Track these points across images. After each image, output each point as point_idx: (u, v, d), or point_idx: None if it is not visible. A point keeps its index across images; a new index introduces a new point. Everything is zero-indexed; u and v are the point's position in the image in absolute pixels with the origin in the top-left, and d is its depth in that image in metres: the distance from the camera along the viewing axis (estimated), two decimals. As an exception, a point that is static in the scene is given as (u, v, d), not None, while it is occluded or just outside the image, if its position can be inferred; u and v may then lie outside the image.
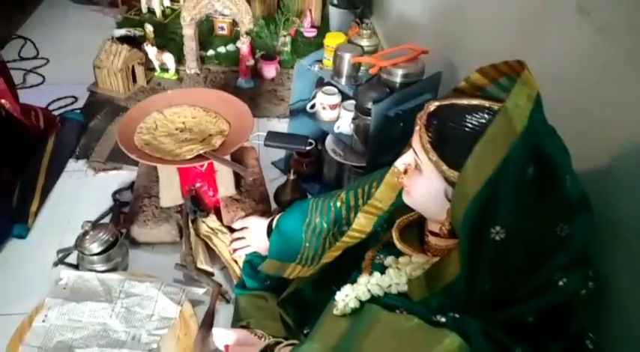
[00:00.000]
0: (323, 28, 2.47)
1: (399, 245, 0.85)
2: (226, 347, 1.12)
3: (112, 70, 1.97)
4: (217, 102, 1.52)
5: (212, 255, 1.42)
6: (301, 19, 2.43)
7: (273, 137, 1.43)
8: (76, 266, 1.34)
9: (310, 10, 2.45)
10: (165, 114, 1.48)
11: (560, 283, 0.71)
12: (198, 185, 1.46)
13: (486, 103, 0.67)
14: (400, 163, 0.78)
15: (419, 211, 0.81)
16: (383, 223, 0.93)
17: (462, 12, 1.49)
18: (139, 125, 1.42)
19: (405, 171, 0.78)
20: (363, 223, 0.92)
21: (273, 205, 1.54)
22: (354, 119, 1.42)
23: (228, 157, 1.38)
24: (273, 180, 1.71)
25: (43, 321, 1.18)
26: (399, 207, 0.89)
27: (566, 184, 0.68)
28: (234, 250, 1.36)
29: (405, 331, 0.74)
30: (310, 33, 2.42)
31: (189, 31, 2.08)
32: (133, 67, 2.02)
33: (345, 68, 1.40)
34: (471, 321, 0.69)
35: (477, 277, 0.68)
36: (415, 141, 0.72)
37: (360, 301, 0.83)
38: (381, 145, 1.36)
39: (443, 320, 0.71)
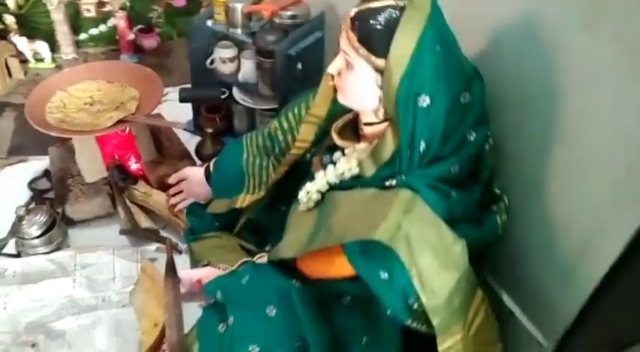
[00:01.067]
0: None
1: (340, 142, 1.01)
2: (198, 282, 1.22)
3: (-17, 68, 1.86)
4: (118, 72, 1.54)
5: (152, 216, 1.47)
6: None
7: (187, 92, 1.50)
8: (17, 255, 1.33)
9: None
10: (70, 91, 1.48)
11: (471, 138, 0.93)
12: (119, 155, 1.49)
13: (393, 2, 0.85)
14: (332, 68, 0.93)
15: (353, 107, 0.98)
16: (321, 133, 1.08)
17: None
18: (47, 106, 1.41)
19: (339, 74, 0.93)
20: (305, 132, 1.07)
21: (198, 162, 1.62)
22: (258, 64, 1.53)
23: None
24: (186, 142, 1.77)
25: (5, 308, 1.18)
26: (334, 116, 1.05)
27: (462, 58, 0.90)
28: (173, 206, 1.43)
29: (365, 200, 0.91)
30: (180, 2, 2.44)
31: (58, 15, 2.01)
32: (5, 60, 1.92)
33: (240, 19, 1.51)
34: (415, 178, 0.88)
35: (413, 142, 0.87)
36: (344, 43, 0.88)
37: (321, 193, 0.99)
38: (287, 84, 1.50)
39: (393, 182, 0.90)
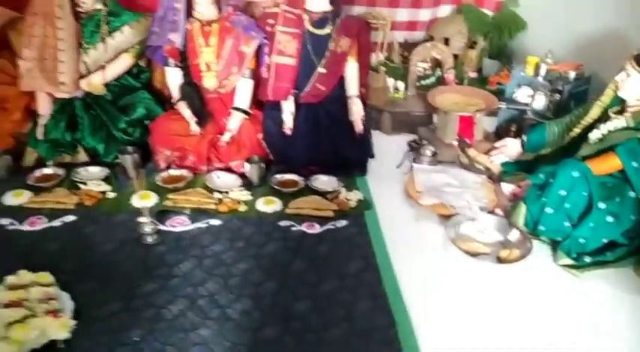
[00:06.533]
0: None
1: (617, 115, 2.17)
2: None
3: None
4: (473, 92, 2.92)
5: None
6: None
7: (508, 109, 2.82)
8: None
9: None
10: (452, 96, 2.88)
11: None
12: (462, 130, 2.81)
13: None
14: (619, 77, 2.12)
15: (627, 97, 2.14)
16: (601, 113, 2.26)
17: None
18: (437, 98, 2.82)
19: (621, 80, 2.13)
20: (593, 112, 2.26)
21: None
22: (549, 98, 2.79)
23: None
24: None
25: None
26: (609, 105, 2.23)
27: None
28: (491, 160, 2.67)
29: (630, 132, 2.06)
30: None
31: (412, 69, 3.53)
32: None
33: (543, 73, 2.81)
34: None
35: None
36: (628, 65, 2.08)
37: (609, 130, 2.15)
38: (565, 109, 2.72)
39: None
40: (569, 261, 2.10)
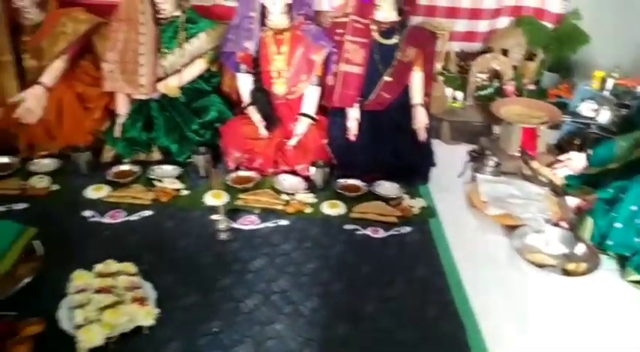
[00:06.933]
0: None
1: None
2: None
3: None
4: (538, 105, 2.92)
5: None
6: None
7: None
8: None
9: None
10: (516, 108, 2.89)
11: None
12: (525, 142, 2.82)
13: None
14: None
15: None
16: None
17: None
18: (503, 110, 2.84)
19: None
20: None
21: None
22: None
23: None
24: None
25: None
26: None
27: None
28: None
29: None
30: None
31: (473, 79, 3.55)
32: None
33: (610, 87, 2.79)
34: None
35: None
36: None
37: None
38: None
39: None
40: (638, 277, 2.08)
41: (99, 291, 1.81)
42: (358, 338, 1.78)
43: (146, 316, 1.76)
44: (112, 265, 1.95)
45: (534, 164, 2.71)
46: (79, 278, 1.87)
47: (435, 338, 1.79)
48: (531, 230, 2.28)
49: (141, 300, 1.80)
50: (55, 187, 2.54)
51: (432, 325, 1.84)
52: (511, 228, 2.33)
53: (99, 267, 1.93)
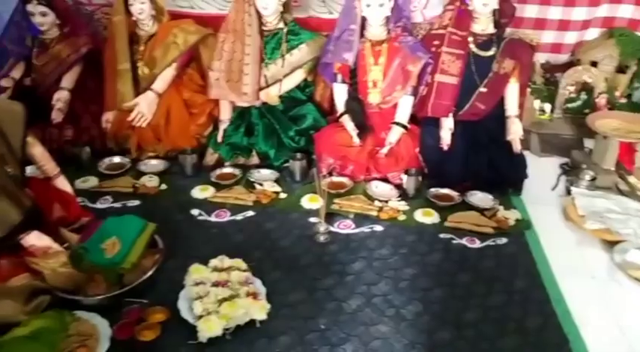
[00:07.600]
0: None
1: None
2: None
3: None
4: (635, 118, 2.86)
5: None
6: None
7: None
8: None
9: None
10: (619, 123, 2.85)
11: None
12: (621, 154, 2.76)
13: None
14: None
15: None
16: None
17: None
18: (598, 123, 2.80)
19: None
20: None
21: None
22: None
23: None
24: None
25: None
26: None
27: None
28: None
29: None
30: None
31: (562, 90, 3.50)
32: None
33: None
34: None
35: None
36: None
37: None
38: None
39: None
40: None
41: (216, 285, 1.95)
42: (462, 344, 1.82)
43: (260, 310, 1.88)
44: (225, 261, 2.09)
45: (632, 179, 2.66)
46: (197, 271, 2.02)
47: (539, 348, 1.80)
48: (633, 246, 2.24)
49: (254, 295, 1.92)
50: (164, 186, 2.74)
51: (535, 335, 1.85)
52: (609, 243, 2.30)
53: (214, 262, 2.07)
